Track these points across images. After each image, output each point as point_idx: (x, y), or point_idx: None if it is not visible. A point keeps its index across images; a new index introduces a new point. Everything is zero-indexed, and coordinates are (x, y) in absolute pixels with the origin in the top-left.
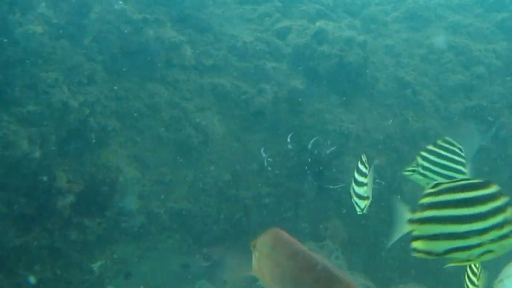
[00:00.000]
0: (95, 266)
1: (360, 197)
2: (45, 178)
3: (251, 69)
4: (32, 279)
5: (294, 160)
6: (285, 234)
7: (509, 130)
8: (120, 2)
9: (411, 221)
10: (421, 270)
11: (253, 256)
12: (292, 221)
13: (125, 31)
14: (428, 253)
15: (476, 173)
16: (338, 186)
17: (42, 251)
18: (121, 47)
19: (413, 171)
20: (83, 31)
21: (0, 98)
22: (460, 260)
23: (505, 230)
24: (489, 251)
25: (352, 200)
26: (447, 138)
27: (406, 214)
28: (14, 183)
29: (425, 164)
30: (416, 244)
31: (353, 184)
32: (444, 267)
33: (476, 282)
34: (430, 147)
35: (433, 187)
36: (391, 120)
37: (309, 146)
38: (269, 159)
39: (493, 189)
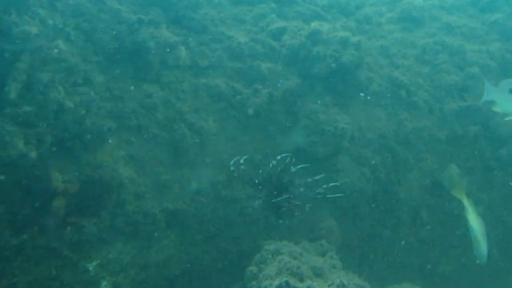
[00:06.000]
0: (91, 266)
1: None
2: (41, 178)
3: (246, 69)
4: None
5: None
6: None
7: (503, 131)
8: (116, 3)
9: None
10: (415, 270)
11: None
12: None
13: (121, 32)
14: None
15: (469, 174)
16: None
17: (38, 251)
18: (116, 48)
19: None
20: (78, 32)
21: None
22: None
23: None
24: None
25: None
26: None
27: None
28: (10, 183)
29: None
30: None
31: None
32: None
33: None
34: None
35: None
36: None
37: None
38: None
39: None
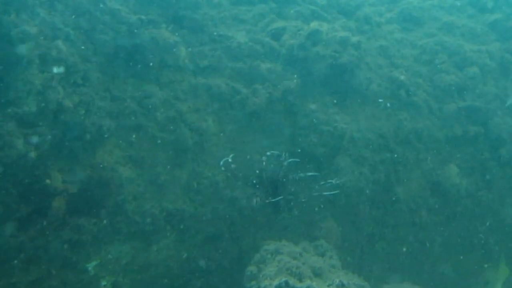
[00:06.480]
0: (90, 266)
1: None
2: (40, 178)
3: (245, 69)
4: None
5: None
6: None
7: (502, 131)
8: (115, 3)
9: None
10: (415, 270)
11: None
12: (287, 220)
13: (120, 32)
14: None
15: (469, 174)
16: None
17: (38, 251)
18: (116, 48)
19: None
20: (78, 32)
21: None
22: None
23: None
24: None
25: None
26: None
27: None
28: (10, 183)
29: None
30: None
31: None
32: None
33: None
34: None
35: None
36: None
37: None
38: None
39: None
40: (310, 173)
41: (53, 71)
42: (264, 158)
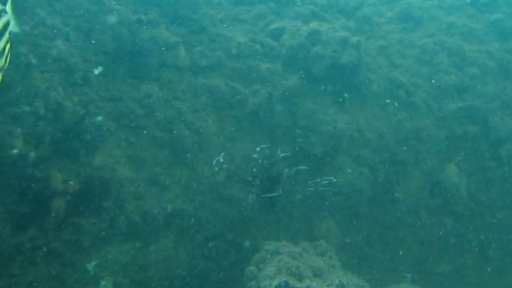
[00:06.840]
0: (90, 266)
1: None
2: (40, 178)
3: (245, 70)
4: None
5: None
6: None
7: (502, 131)
8: (115, 3)
9: None
10: (414, 271)
11: None
12: (287, 220)
13: (120, 32)
14: None
15: (469, 174)
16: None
17: (37, 251)
18: (115, 48)
19: None
20: (77, 32)
21: None
22: None
23: None
24: None
25: None
26: None
27: None
28: (9, 183)
29: None
30: None
31: None
32: None
33: None
34: None
35: None
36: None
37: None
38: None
39: None
40: (301, 167)
41: (94, 73)
42: (255, 155)
